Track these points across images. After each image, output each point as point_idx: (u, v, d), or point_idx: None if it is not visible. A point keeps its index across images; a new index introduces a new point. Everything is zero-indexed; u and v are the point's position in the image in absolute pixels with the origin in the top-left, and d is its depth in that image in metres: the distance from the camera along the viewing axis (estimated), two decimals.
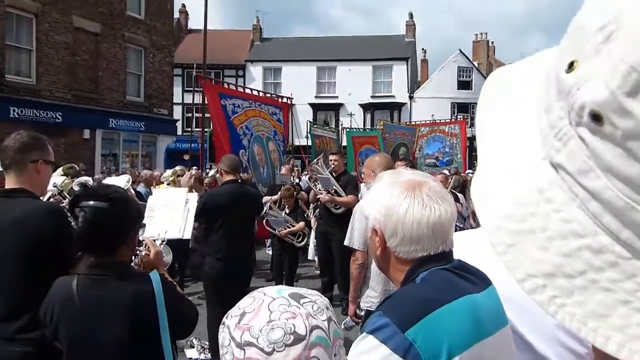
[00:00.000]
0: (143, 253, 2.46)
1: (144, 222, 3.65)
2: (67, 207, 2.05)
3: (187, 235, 3.69)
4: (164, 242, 3.23)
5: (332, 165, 7.05)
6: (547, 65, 0.51)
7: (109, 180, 4.94)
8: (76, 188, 3.54)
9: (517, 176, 0.51)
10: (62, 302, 2.00)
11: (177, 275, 8.66)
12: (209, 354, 4.68)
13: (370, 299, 3.89)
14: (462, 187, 8.63)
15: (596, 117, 0.41)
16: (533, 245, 0.47)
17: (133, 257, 2.46)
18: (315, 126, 14.76)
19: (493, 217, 0.51)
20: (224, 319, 1.08)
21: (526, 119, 0.53)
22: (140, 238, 2.56)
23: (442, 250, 1.37)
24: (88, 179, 4.50)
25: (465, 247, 1.54)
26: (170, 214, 3.71)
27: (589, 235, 0.44)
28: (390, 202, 1.38)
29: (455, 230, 1.47)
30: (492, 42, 45.06)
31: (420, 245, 1.35)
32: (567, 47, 0.47)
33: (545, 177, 0.48)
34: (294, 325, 1.03)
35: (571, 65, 0.44)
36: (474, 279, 1.35)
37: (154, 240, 2.75)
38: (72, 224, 2.08)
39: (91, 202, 2.00)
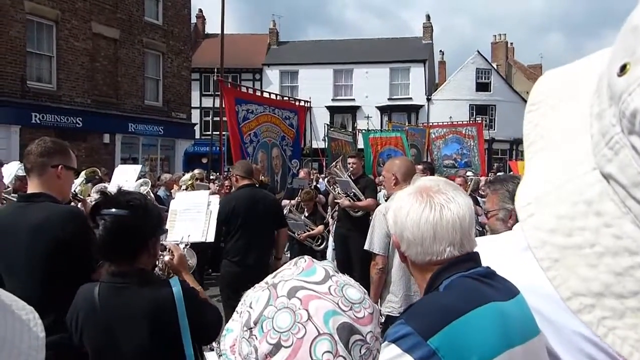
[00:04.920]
0: (167, 258, 2.44)
1: (166, 227, 3.65)
2: (88, 214, 2.04)
3: (210, 238, 3.67)
4: (188, 246, 3.22)
5: (351, 168, 7.00)
6: (600, 67, 0.47)
7: (120, 169, 4.93)
8: (95, 195, 3.53)
9: (564, 187, 0.46)
10: (86, 309, 2.01)
11: (197, 277, 8.70)
12: None
13: (392, 304, 3.83)
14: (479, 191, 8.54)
15: None
16: (581, 261, 0.43)
17: (157, 262, 2.45)
18: (332, 129, 14.71)
19: (537, 230, 0.47)
20: (252, 327, 0.87)
21: (578, 126, 0.49)
22: (164, 243, 2.55)
23: (453, 254, 1.32)
24: (105, 185, 4.52)
25: (487, 254, 1.50)
26: (192, 217, 3.70)
27: None
28: (396, 207, 1.40)
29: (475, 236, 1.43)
30: (512, 43, 44.71)
31: (423, 248, 1.33)
32: (620, 49, 0.43)
33: (595, 188, 0.44)
34: None
35: (623, 69, 0.41)
36: (500, 287, 1.30)
37: (177, 244, 2.74)
38: (95, 230, 2.07)
39: (110, 211, 2.00)
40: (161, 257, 2.47)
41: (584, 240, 0.43)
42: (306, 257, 0.97)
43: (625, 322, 0.40)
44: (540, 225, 0.46)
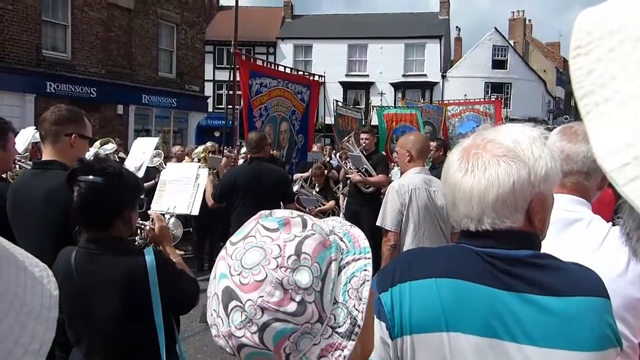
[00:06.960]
0: (148, 227, 2.45)
1: (155, 195, 3.64)
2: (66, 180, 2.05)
3: (195, 211, 3.64)
4: (173, 217, 3.23)
5: (364, 144, 6.97)
6: None
7: (139, 141, 4.97)
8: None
9: None
10: (63, 273, 2.02)
11: (208, 249, 8.78)
12: None
13: None
14: None
15: None
16: None
17: (139, 232, 2.47)
18: (341, 106, 14.64)
19: None
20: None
21: None
22: (149, 212, 2.57)
23: (469, 227, 1.16)
24: (112, 147, 4.49)
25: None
26: (180, 188, 3.70)
27: None
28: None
29: None
30: (530, 20, 43.88)
31: (449, 211, 1.24)
32: None
33: None
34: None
35: None
36: (526, 277, 1.11)
37: (163, 215, 2.75)
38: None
39: (86, 177, 2.00)
40: (145, 226, 2.48)
41: None
42: (277, 212, 0.89)
43: None
44: None
